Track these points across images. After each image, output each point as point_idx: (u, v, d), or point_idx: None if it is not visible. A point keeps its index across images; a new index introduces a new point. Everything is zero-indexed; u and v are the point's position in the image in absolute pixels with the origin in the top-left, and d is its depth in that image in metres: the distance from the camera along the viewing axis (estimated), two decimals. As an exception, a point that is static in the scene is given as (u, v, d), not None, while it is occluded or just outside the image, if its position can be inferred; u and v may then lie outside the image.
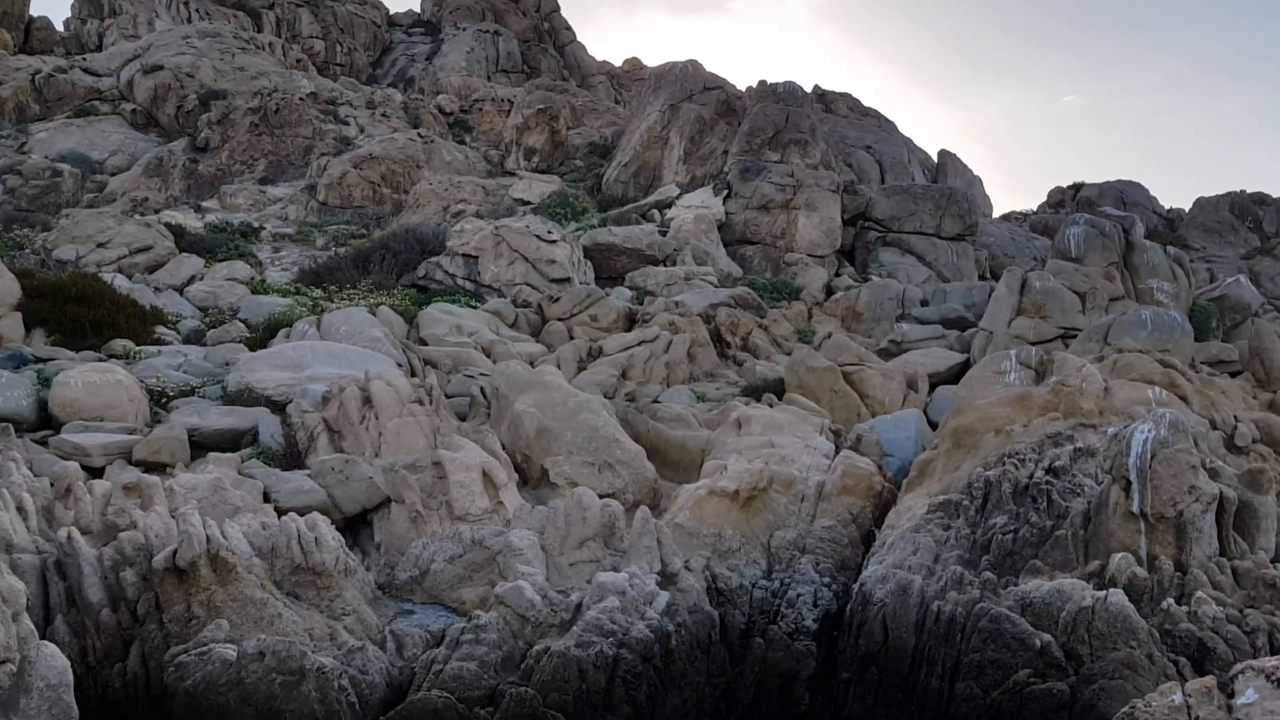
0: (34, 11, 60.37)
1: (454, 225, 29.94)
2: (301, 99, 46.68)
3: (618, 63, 76.48)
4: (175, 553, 9.01)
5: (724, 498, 12.42)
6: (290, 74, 50.94)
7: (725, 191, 33.45)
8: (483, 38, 65.95)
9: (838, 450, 14.40)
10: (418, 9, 74.91)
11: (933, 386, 18.90)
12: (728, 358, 21.97)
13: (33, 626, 7.00)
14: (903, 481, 13.82)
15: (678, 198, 34.54)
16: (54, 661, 6.29)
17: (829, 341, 19.88)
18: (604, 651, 9.28)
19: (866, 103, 48.54)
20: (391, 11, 72.62)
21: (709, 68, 39.79)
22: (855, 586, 11.34)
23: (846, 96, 47.77)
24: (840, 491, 13.04)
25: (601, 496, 12.16)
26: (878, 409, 17.37)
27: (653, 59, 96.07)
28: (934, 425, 16.10)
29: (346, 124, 46.77)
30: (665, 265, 28.83)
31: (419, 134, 44.85)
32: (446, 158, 43.25)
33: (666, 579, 10.79)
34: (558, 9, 74.60)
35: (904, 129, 58.32)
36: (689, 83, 38.51)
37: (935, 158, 46.95)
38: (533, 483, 14.04)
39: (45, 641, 6.70)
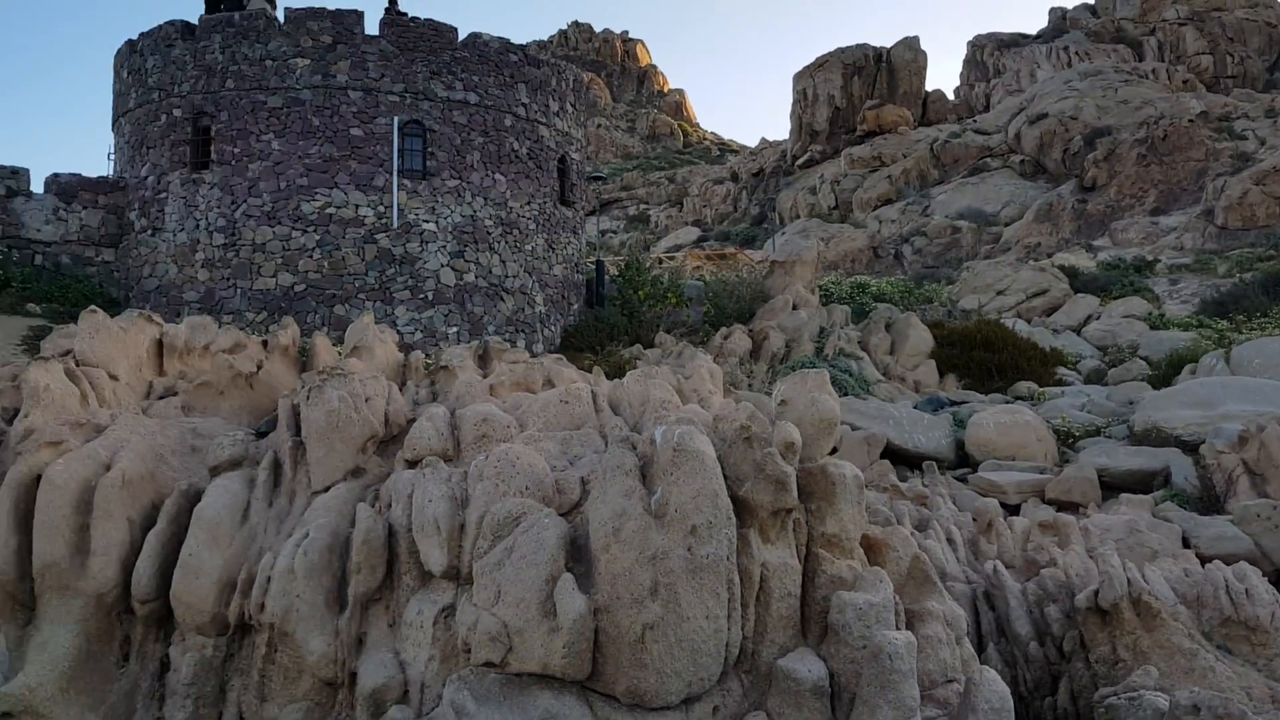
0: (928, 87, 67.02)
1: (1391, 233, 25.60)
2: (1190, 121, 44.28)
3: None
4: (1096, 593, 9.05)
5: None
6: (1176, 97, 48.84)
7: None
8: None
9: None
10: (1324, -6, 66.12)
11: None
12: None
13: (973, 651, 7.61)
14: None
15: None
16: (995, 686, 6.67)
17: None
18: None
19: None
20: (1291, 5, 65.15)
21: None
22: None
23: None
24: None
25: None
26: None
27: None
28: None
29: (1243, 138, 43.10)
30: None
31: (1335, 134, 39.35)
32: (1374, 156, 37.19)
33: None
34: None
35: None
36: None
37: None
38: None
39: (985, 666, 7.20)
